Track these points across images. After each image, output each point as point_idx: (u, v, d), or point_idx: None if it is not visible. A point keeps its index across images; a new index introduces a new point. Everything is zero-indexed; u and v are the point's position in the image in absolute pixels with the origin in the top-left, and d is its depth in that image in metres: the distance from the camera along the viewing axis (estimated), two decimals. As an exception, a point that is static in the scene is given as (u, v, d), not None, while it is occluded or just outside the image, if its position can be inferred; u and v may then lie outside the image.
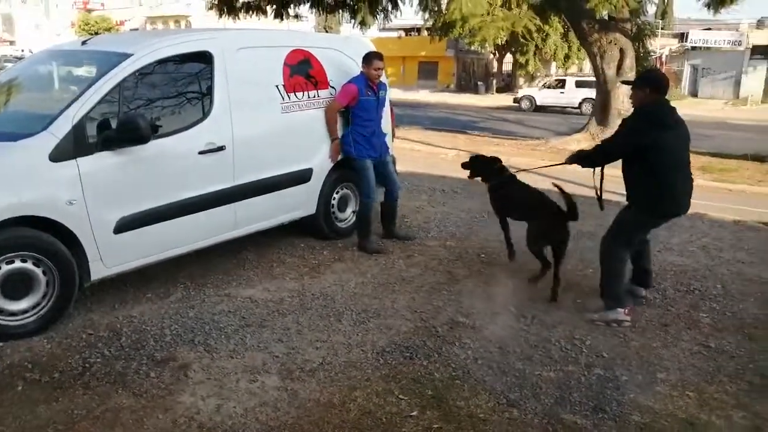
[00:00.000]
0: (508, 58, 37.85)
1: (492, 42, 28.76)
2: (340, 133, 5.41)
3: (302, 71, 5.21)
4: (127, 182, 3.98)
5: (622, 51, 11.40)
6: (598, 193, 4.25)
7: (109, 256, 3.95)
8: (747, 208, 7.97)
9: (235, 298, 4.31)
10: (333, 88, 5.46)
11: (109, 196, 3.89)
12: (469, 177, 5.19)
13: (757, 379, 3.38)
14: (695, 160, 11.18)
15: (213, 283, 4.57)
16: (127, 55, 4.08)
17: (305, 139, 5.27)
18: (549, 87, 27.16)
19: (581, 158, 4.24)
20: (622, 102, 11.54)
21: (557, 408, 3.07)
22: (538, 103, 26.72)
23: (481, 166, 5.17)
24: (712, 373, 3.44)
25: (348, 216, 5.84)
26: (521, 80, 36.99)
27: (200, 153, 4.35)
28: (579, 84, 25.74)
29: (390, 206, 5.74)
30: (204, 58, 4.47)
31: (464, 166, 5.24)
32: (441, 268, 5.00)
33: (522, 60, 33.80)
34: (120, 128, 3.86)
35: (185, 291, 4.41)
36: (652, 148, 3.75)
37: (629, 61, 11.47)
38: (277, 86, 4.96)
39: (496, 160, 5.16)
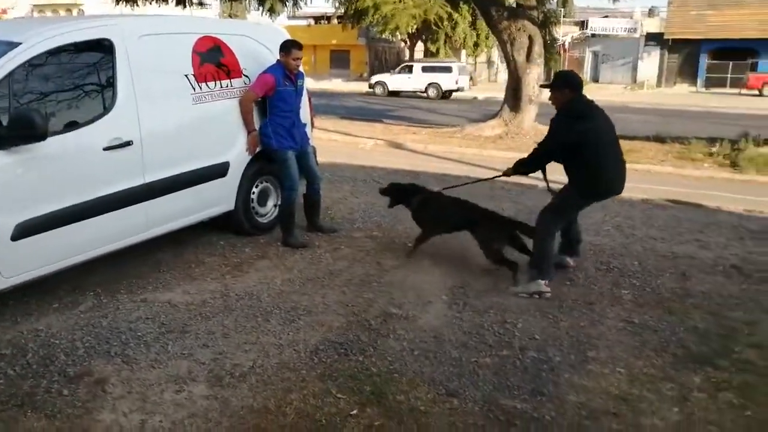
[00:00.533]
0: (420, 46, 38.20)
1: (404, 30, 28.89)
2: (257, 125, 5.18)
3: (213, 59, 4.93)
4: (23, 184, 3.61)
5: (530, 38, 11.69)
6: (548, 186, 4.54)
7: (7, 266, 3.57)
8: (653, 187, 8.36)
9: (153, 303, 4.03)
10: (247, 77, 5.21)
11: (3, 199, 3.51)
12: (390, 206, 5.30)
13: (680, 351, 3.51)
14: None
15: (127, 288, 4.26)
16: (15, 44, 3.69)
17: (220, 131, 5.00)
18: (399, 72, 28.27)
19: (520, 168, 4.49)
20: (533, 88, 11.86)
21: (496, 394, 3.05)
22: (390, 89, 27.71)
23: (398, 193, 5.24)
24: (638, 348, 3.54)
25: (269, 210, 5.62)
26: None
27: (105, 149, 4.02)
28: (425, 69, 27.16)
29: (313, 199, 5.58)
30: (103, 46, 4.12)
31: (383, 192, 5.32)
32: (369, 260, 4.90)
33: (433, 48, 34.15)
34: (12, 125, 3.49)
35: (96, 299, 4.07)
36: (580, 142, 4.01)
37: (538, 48, 11.78)
38: (186, 76, 4.66)
39: (414, 187, 5.28)
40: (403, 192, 5.22)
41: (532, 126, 12.07)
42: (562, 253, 4.70)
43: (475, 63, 37.65)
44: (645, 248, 5.37)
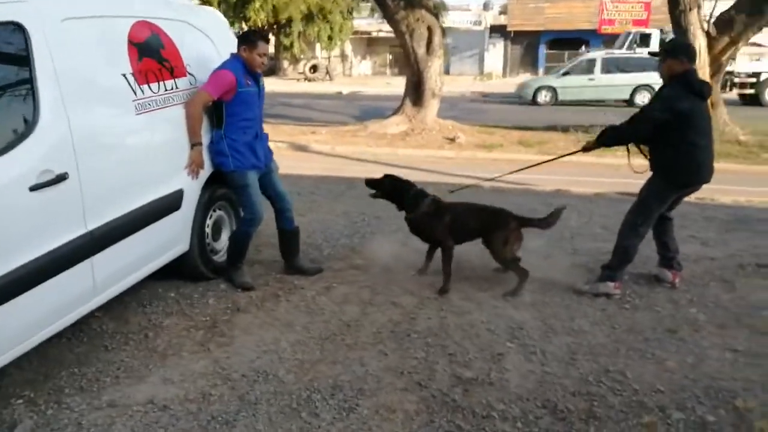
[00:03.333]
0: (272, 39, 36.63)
1: (259, 23, 27.36)
2: (205, 139, 3.96)
3: (153, 52, 3.64)
4: None
5: (430, 29, 11.13)
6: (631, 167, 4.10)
7: None
8: (588, 179, 8.19)
9: (128, 407, 2.75)
10: (192, 75, 3.98)
11: None
12: (372, 196, 4.40)
13: None
14: (505, 135, 11.51)
15: (73, 384, 2.92)
16: None
17: (170, 148, 3.74)
18: None
19: (611, 138, 3.98)
20: (436, 81, 11.34)
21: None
22: None
23: (393, 189, 4.34)
24: (768, 385, 2.99)
25: (224, 245, 4.40)
26: (286, 63, 36.05)
27: (32, 189, 2.66)
28: None
29: (289, 232, 4.39)
30: (13, 33, 2.73)
31: (371, 184, 4.39)
32: (380, 300, 3.92)
33: (287, 42, 32.81)
34: None
35: (34, 411, 2.71)
36: (689, 115, 3.70)
37: (438, 39, 11.26)
38: (124, 75, 3.35)
39: (410, 184, 4.37)
40: (401, 190, 4.30)
41: (435, 121, 11.57)
42: (661, 266, 4.24)
43: (329, 57, 36.85)
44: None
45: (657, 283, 4.21)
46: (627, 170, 4.25)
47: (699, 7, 9.71)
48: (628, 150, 4.19)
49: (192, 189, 3.88)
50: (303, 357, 3.21)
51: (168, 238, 3.71)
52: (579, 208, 6.45)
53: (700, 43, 9.58)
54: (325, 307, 3.83)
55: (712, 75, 9.90)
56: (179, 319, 3.68)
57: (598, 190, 7.25)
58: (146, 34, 3.60)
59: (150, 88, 3.53)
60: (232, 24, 28.23)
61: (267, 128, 4.32)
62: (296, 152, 10.35)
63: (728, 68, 18.43)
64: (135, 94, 3.40)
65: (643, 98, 17.17)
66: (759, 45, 18.95)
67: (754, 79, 18.81)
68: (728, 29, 9.70)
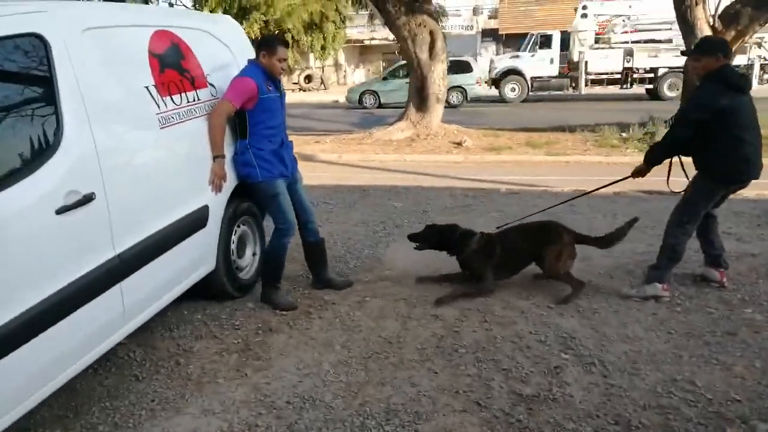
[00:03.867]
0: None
1: (248, 34, 27.19)
2: (228, 151, 3.78)
3: (174, 63, 3.47)
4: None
5: (432, 33, 11.00)
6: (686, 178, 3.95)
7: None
8: (597, 178, 7.99)
9: (170, 443, 2.56)
10: (212, 86, 3.80)
11: None
12: (418, 248, 4.33)
13: None
14: (511, 137, 11.36)
15: (109, 423, 2.72)
16: None
17: (194, 163, 3.55)
18: None
19: (657, 155, 3.87)
20: (439, 86, 11.20)
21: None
22: None
23: (438, 238, 4.25)
24: None
25: (248, 262, 4.22)
26: (279, 74, 35.92)
27: (58, 212, 2.48)
28: None
29: (314, 244, 4.21)
30: (33, 46, 2.56)
31: (413, 238, 4.34)
32: (418, 313, 3.73)
33: (279, 53, 32.69)
34: None
35: (68, 453, 2.52)
36: (730, 111, 3.55)
37: (440, 43, 11.13)
38: (147, 88, 3.17)
39: (453, 228, 4.29)
40: (447, 235, 4.23)
41: (440, 126, 11.42)
42: (707, 266, 4.09)
43: (323, 67, 36.73)
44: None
45: (704, 283, 4.04)
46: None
47: (704, 1, 9.61)
48: (670, 166, 3.99)
49: (217, 204, 3.69)
50: (348, 379, 3.02)
51: (195, 258, 3.52)
52: (601, 208, 6.30)
53: (707, 37, 9.46)
54: (361, 323, 3.64)
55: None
56: (209, 342, 3.48)
57: (617, 188, 7.07)
58: (166, 44, 3.42)
59: (173, 101, 3.35)
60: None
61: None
62: (303, 162, 9.96)
63: (627, 64, 19.54)
64: (158, 107, 3.21)
65: (453, 99, 18.66)
66: (656, 41, 19.83)
67: (652, 75, 19.59)
68: (734, 23, 9.60)
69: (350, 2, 20.97)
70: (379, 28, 35.10)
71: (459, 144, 10.53)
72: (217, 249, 3.75)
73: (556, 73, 20.77)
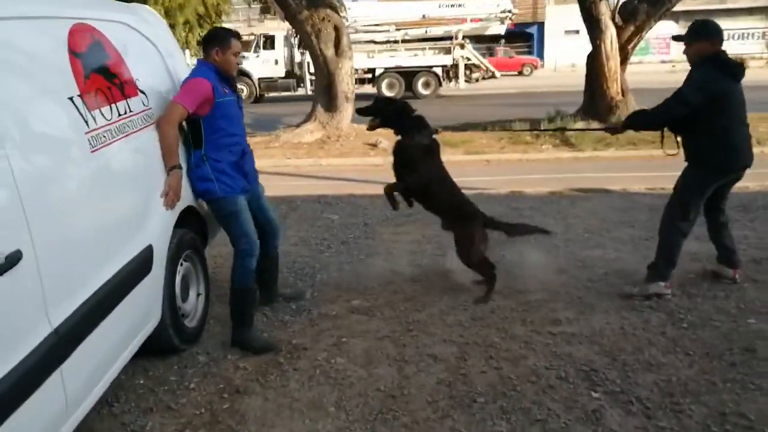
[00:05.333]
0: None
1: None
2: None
3: (99, 66, 2.72)
4: None
5: (337, 29, 10.42)
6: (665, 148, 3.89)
7: None
8: (534, 177, 7.93)
9: None
10: (143, 93, 3.06)
11: None
12: (370, 128, 4.06)
13: None
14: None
15: None
16: None
17: (133, 192, 2.82)
18: None
19: (638, 121, 3.82)
20: (348, 84, 10.67)
21: None
22: None
23: (387, 111, 3.94)
24: None
25: (193, 306, 3.49)
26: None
27: (-27, 284, 1.72)
28: None
29: (274, 259, 3.83)
30: None
31: (362, 111, 4.06)
32: (412, 354, 3.21)
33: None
34: None
35: None
36: (724, 97, 3.51)
37: (346, 39, 10.58)
38: (71, 99, 2.40)
39: (404, 103, 4.02)
40: (392, 110, 3.94)
41: (351, 127, 10.89)
42: (720, 263, 3.99)
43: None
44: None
45: (692, 287, 3.87)
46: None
47: (607, -3, 9.87)
48: (662, 135, 3.87)
49: (161, 241, 2.97)
50: (363, 453, 2.46)
51: (142, 313, 2.79)
52: (545, 210, 6.09)
53: (611, 32, 9.72)
54: (348, 373, 3.07)
55: (622, 63, 10.10)
56: (164, 416, 2.77)
57: (551, 188, 6.96)
58: (88, 41, 2.66)
59: (103, 115, 2.60)
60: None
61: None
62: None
63: None
64: (87, 124, 2.46)
65: None
66: (374, 42, 21.25)
67: (370, 75, 20.91)
68: (632, 18, 9.92)
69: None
70: (255, 23, 33.89)
71: (374, 145, 10.08)
72: (163, 296, 3.03)
73: (282, 74, 21.22)
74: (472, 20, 21.21)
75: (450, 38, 20.85)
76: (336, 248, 5.06)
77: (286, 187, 7.63)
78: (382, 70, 20.62)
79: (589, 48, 10.58)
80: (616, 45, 9.79)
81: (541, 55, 36.17)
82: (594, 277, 4.18)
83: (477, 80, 22.33)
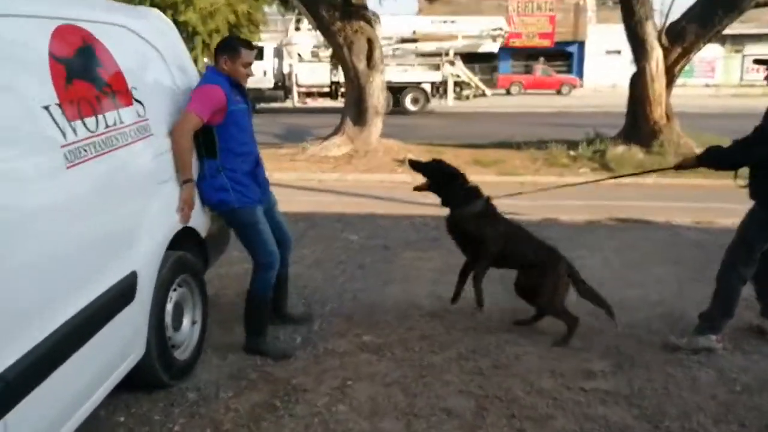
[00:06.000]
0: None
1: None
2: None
3: (87, 72, 2.45)
4: None
5: (369, 41, 10.18)
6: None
7: None
8: (568, 203, 7.49)
9: None
10: (140, 103, 2.78)
11: None
12: (417, 188, 3.80)
13: None
14: (456, 154, 10.74)
15: None
16: None
17: (118, 214, 2.53)
18: None
19: (714, 159, 3.36)
20: (378, 98, 10.39)
21: None
22: None
23: (440, 177, 3.71)
24: None
25: (186, 335, 3.18)
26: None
27: None
28: None
29: (285, 276, 3.68)
30: None
31: (415, 167, 3.78)
32: (423, 406, 2.83)
33: (191, 56, 30.84)
34: None
35: None
36: None
37: (378, 52, 10.32)
38: (47, 108, 2.13)
39: (460, 174, 3.78)
40: (447, 179, 3.74)
41: (379, 141, 10.60)
42: (765, 317, 3.55)
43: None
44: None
45: (745, 342, 3.43)
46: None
47: (653, 17, 9.40)
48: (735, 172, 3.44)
49: (148, 266, 2.67)
50: None
51: (120, 348, 2.49)
52: (581, 240, 5.67)
53: (657, 54, 9.24)
54: (350, 425, 2.71)
55: (667, 86, 9.60)
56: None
57: (588, 216, 6.53)
58: (76, 44, 2.40)
59: (85, 126, 2.32)
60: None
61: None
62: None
63: (334, 78, 20.23)
64: (65, 136, 2.18)
65: None
66: None
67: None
68: (680, 40, 9.43)
69: (276, 5, 20.01)
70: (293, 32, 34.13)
71: (402, 161, 9.76)
72: (149, 327, 2.73)
73: (271, 85, 21.20)
74: (463, 37, 21.13)
75: (440, 55, 20.75)
76: (352, 273, 4.73)
77: (308, 203, 7.36)
78: None
79: (630, 68, 10.12)
80: (662, 67, 9.30)
81: (580, 75, 35.47)
82: (633, 322, 3.74)
83: (468, 98, 22.37)
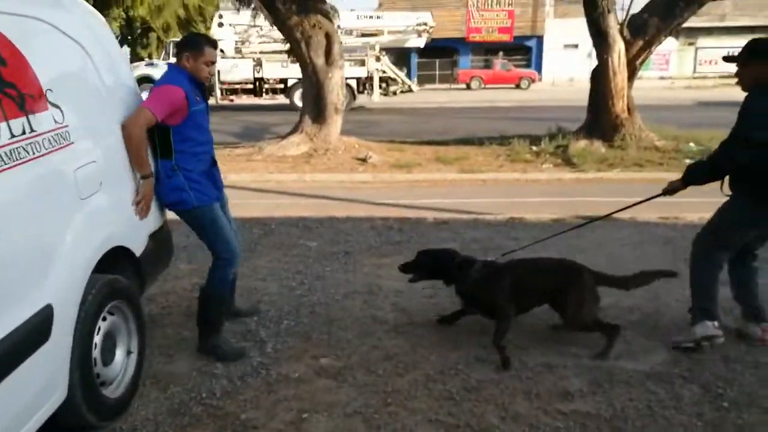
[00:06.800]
0: (124, 50, 33.32)
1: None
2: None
3: (-18, 72, 2.07)
4: None
5: (328, 36, 9.82)
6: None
7: None
8: (532, 200, 7.33)
9: None
10: (57, 108, 2.42)
11: None
12: (412, 280, 3.66)
13: None
14: (417, 152, 10.50)
15: None
16: None
17: (25, 238, 2.16)
18: None
19: (700, 175, 3.27)
20: (338, 95, 10.06)
21: None
22: None
23: (433, 264, 3.57)
24: None
25: (120, 369, 2.82)
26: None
27: None
28: None
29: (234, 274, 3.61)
30: None
31: (406, 269, 3.64)
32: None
33: (144, 54, 29.91)
34: None
35: None
36: None
37: (337, 48, 9.97)
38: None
39: (450, 253, 3.63)
40: (442, 262, 3.55)
41: (340, 139, 10.28)
42: (746, 319, 3.42)
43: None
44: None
45: (728, 349, 3.24)
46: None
47: (614, 10, 9.30)
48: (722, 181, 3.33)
49: (68, 297, 2.32)
50: None
51: (33, 394, 2.13)
52: (548, 241, 5.45)
53: (619, 47, 9.15)
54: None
55: (629, 79, 9.53)
56: None
57: (553, 214, 6.34)
58: (-36, 38, 2.02)
59: (-20, 136, 1.95)
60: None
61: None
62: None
63: (258, 75, 20.38)
64: (-51, 150, 1.81)
65: None
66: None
67: (282, 85, 20.61)
68: (642, 33, 9.36)
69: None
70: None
71: (363, 160, 9.47)
72: (71, 366, 2.37)
73: None
74: (389, 32, 21.11)
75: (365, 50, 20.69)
76: (309, 284, 4.40)
77: (264, 207, 6.99)
78: (295, 80, 20.01)
79: (587, 62, 10.06)
80: (624, 60, 9.21)
81: (539, 69, 35.71)
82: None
83: (395, 93, 22.26)
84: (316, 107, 10.10)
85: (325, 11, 10.00)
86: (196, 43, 3.12)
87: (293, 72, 19.99)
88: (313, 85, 10.02)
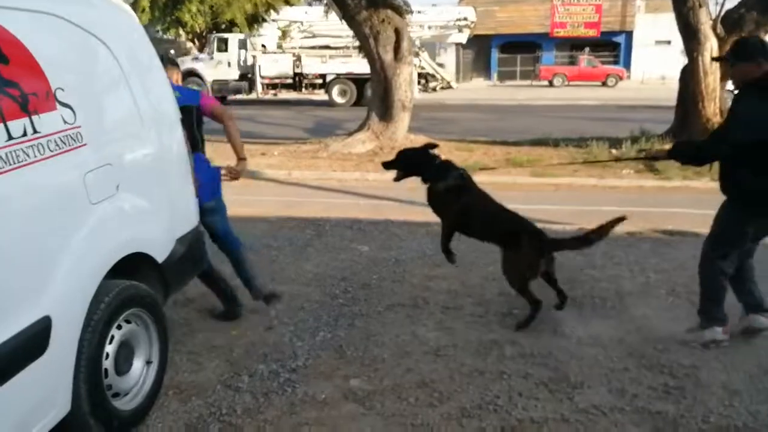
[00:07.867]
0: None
1: (197, 28, 25.27)
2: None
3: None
4: None
5: (397, 31, 9.58)
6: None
7: None
8: (607, 209, 6.79)
9: None
10: (68, 108, 2.29)
11: None
12: (396, 179, 3.97)
13: None
14: (487, 152, 10.05)
15: None
16: None
17: (21, 246, 2.04)
18: None
19: (685, 153, 3.42)
20: (405, 91, 9.80)
21: None
22: None
23: (412, 160, 3.88)
24: None
25: (137, 379, 2.69)
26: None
27: None
28: None
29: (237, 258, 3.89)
30: None
31: (388, 165, 3.96)
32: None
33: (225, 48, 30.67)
34: None
35: None
36: None
37: (407, 43, 9.72)
38: None
39: (429, 148, 3.94)
40: (419, 158, 3.88)
41: (407, 138, 10.02)
42: (752, 313, 3.39)
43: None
44: None
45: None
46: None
47: (707, 4, 8.54)
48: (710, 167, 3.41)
49: (70, 307, 2.19)
50: None
51: (27, 409, 2.01)
52: (619, 257, 5.01)
53: (711, 44, 8.38)
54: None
55: (721, 80, 8.73)
56: None
57: (630, 227, 5.78)
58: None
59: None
60: (166, 30, 25.97)
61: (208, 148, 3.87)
62: (245, 181, 8.45)
63: (297, 70, 20.64)
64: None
65: None
66: (329, 48, 21.22)
67: (321, 80, 20.86)
68: (737, 29, 8.54)
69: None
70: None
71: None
72: (75, 379, 2.25)
73: (235, 76, 21.16)
74: (429, 28, 20.79)
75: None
76: (353, 293, 4.19)
77: (321, 206, 6.85)
78: (333, 76, 20.30)
79: (682, 60, 9.28)
80: (717, 57, 8.45)
81: (627, 66, 34.00)
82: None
83: (435, 89, 21.91)
84: (383, 104, 9.89)
85: (396, 6, 9.75)
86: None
87: (332, 67, 20.62)
88: (380, 82, 9.81)
